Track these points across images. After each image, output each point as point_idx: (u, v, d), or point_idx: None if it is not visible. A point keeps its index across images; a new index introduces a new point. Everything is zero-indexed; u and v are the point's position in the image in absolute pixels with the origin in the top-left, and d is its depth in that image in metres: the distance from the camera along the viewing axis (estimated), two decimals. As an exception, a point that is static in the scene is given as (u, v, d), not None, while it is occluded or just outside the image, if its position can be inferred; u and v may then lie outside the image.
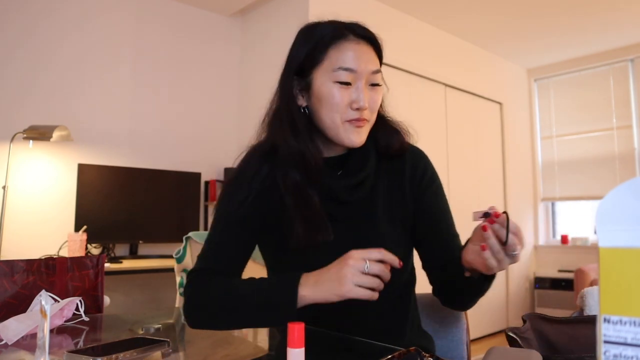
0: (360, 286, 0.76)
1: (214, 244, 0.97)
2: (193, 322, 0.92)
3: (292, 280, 0.81)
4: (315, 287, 0.78)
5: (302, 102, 0.95)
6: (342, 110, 0.90)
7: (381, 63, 0.97)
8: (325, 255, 0.93)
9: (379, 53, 0.95)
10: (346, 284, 0.74)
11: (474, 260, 0.78)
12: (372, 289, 0.77)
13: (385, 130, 1.00)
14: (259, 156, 0.99)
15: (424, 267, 1.03)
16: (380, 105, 1.00)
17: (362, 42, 0.92)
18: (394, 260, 0.77)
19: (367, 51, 0.92)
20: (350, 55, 0.90)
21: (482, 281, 0.85)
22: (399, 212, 0.99)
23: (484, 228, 0.75)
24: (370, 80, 0.91)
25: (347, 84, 0.89)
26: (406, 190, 1.00)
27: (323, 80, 0.91)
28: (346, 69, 0.89)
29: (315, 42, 0.92)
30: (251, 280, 0.89)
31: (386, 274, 0.76)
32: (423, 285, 1.10)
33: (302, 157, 0.92)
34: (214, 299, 0.88)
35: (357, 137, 0.91)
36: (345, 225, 0.95)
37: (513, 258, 0.75)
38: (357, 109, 0.89)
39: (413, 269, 1.05)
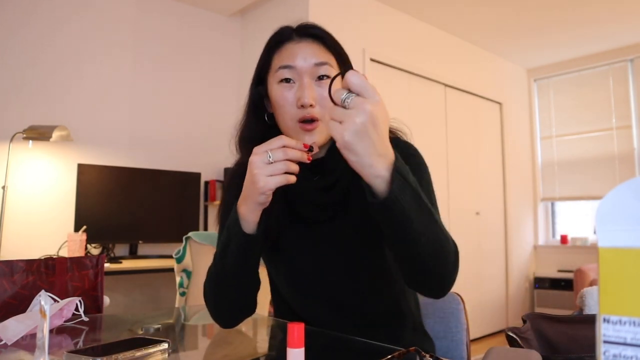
0: (273, 175, 0.74)
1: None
2: (220, 321, 0.92)
3: (234, 210, 0.82)
4: (244, 201, 0.79)
5: (270, 109, 0.96)
6: (291, 110, 0.88)
7: (339, 57, 0.94)
8: (305, 255, 0.95)
9: (331, 47, 0.93)
10: (259, 181, 0.74)
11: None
12: (288, 173, 0.75)
13: None
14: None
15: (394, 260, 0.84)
16: None
17: (304, 40, 0.91)
18: (297, 143, 0.76)
19: (309, 46, 0.91)
20: (288, 53, 0.90)
21: (378, 203, 0.70)
22: None
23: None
24: (316, 73, 0.89)
25: (289, 80, 0.89)
26: None
27: (271, 83, 0.92)
28: (285, 67, 0.89)
29: (265, 49, 0.94)
30: None
31: (293, 155, 0.75)
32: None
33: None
34: (210, 281, 0.89)
35: (310, 139, 0.89)
36: (321, 227, 0.95)
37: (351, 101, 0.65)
38: (302, 106, 0.87)
39: None
